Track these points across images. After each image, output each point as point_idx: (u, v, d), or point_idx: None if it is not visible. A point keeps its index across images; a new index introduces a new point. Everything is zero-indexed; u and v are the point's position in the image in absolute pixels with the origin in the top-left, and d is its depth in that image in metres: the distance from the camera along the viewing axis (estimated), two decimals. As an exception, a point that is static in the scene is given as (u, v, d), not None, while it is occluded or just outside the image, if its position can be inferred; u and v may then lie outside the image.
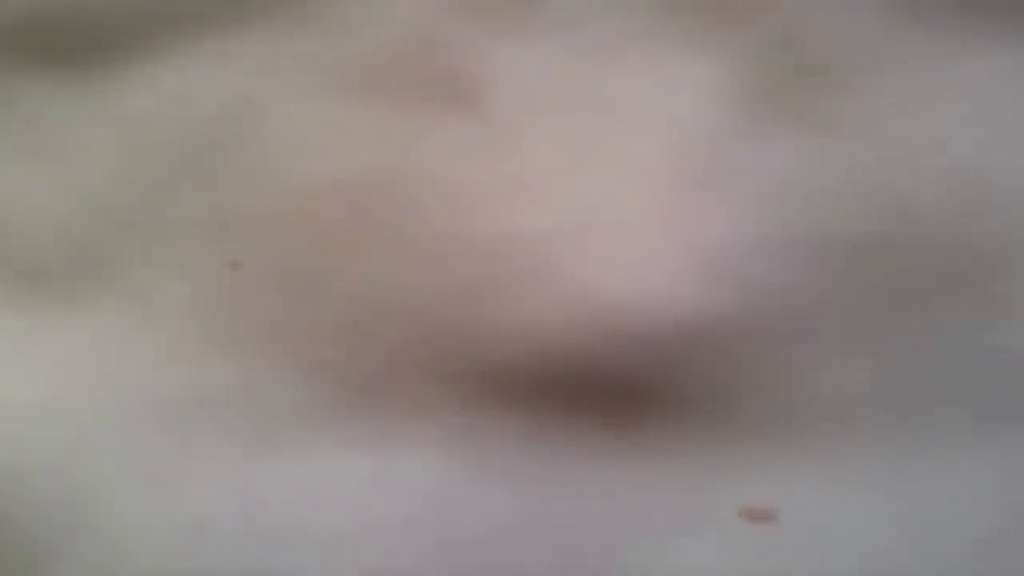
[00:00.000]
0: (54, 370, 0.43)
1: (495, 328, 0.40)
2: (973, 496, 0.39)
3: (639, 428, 0.40)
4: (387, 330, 0.40)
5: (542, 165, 0.39)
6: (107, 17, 0.40)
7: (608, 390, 0.40)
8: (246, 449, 0.41)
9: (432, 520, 0.41)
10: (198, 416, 0.41)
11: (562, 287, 0.39)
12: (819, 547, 0.40)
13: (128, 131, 0.41)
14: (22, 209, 0.42)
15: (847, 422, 0.40)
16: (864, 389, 0.40)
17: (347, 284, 0.40)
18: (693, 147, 0.38)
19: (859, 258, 0.38)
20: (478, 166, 0.39)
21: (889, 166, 0.38)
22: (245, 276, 0.40)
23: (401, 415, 0.41)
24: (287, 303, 0.41)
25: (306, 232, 0.40)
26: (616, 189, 0.39)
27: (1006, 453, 0.39)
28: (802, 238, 0.38)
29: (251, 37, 0.40)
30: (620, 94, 0.39)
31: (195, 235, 0.41)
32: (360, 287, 0.40)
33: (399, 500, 0.41)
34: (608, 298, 0.39)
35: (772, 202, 0.38)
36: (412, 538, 0.41)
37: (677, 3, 0.38)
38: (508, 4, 0.39)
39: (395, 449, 0.41)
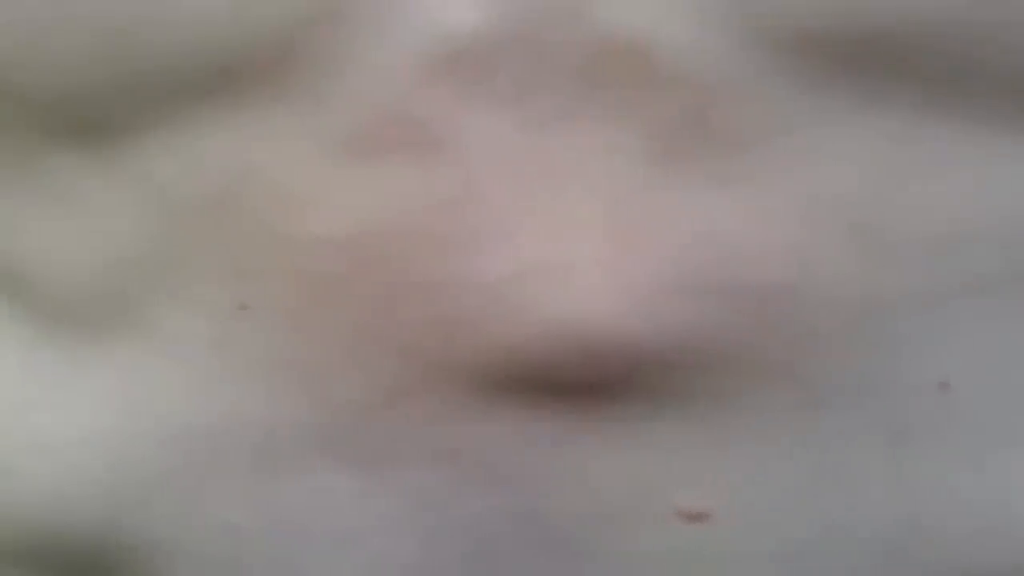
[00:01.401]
0: (90, 402, 0.47)
1: (475, 351, 0.44)
2: (878, 506, 0.44)
3: (591, 431, 0.44)
4: (382, 360, 0.44)
5: (506, 218, 0.43)
6: (119, 94, 0.43)
7: (564, 397, 0.44)
8: (262, 466, 0.46)
9: (422, 520, 0.46)
10: (217, 439, 0.46)
11: (524, 317, 0.44)
12: (746, 543, 0.44)
13: (145, 192, 0.44)
14: (55, 260, 0.46)
15: (771, 437, 0.44)
16: (782, 411, 0.43)
17: (342, 323, 0.44)
18: (623, 202, 0.42)
19: (767, 300, 0.42)
20: (454, 219, 0.42)
21: (792, 220, 0.42)
22: (252, 316, 0.45)
23: (397, 433, 0.45)
24: (289, 341, 0.45)
25: (305, 278, 0.44)
26: (564, 238, 0.43)
27: (908, 469, 0.43)
28: (718, 283, 0.42)
29: (246, 106, 0.43)
30: (562, 158, 0.42)
31: (208, 281, 0.45)
32: (354, 326, 0.44)
33: (394, 503, 0.46)
34: (562, 325, 0.43)
35: (692, 250, 0.42)
36: (407, 536, 0.46)
37: (599, 80, 0.41)
38: (473, 76, 0.42)
39: (392, 461, 0.46)
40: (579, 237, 0.42)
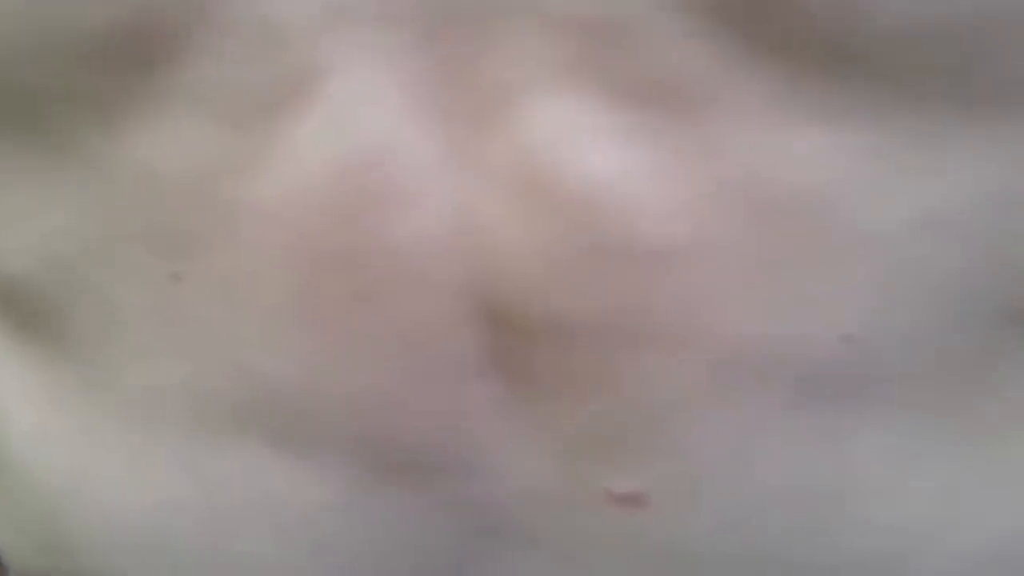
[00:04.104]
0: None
1: (390, 325, 0.42)
2: (803, 468, 0.43)
3: (516, 412, 0.43)
4: (305, 336, 0.43)
5: (419, 177, 0.41)
6: (36, 61, 0.42)
7: (485, 374, 0.43)
8: (198, 437, 0.46)
9: (355, 507, 0.46)
10: (154, 408, 0.46)
11: (439, 285, 0.42)
12: (682, 523, 0.44)
13: (78, 163, 0.43)
14: None
15: (692, 412, 0.42)
16: (695, 382, 0.42)
17: (269, 295, 0.43)
18: (534, 156, 0.41)
19: (672, 264, 0.41)
20: (368, 181, 0.41)
21: (691, 181, 0.41)
22: (185, 287, 0.44)
23: (322, 415, 0.44)
24: (219, 313, 0.44)
25: (235, 249, 0.43)
26: (476, 196, 0.41)
27: (819, 426, 0.43)
28: (623, 246, 0.41)
29: (164, 70, 0.42)
30: (470, 108, 0.41)
31: (143, 251, 0.44)
32: (280, 298, 0.43)
33: (327, 488, 0.45)
34: (478, 295, 0.42)
35: (600, 211, 0.41)
36: (341, 523, 0.46)
37: (500, 24, 0.40)
38: (380, 25, 0.41)
39: (320, 444, 0.45)
40: (492, 196, 0.41)
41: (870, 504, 0.43)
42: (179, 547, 0.47)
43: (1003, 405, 0.43)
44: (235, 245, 0.43)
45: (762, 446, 0.43)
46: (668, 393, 0.42)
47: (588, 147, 0.40)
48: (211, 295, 0.44)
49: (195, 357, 0.45)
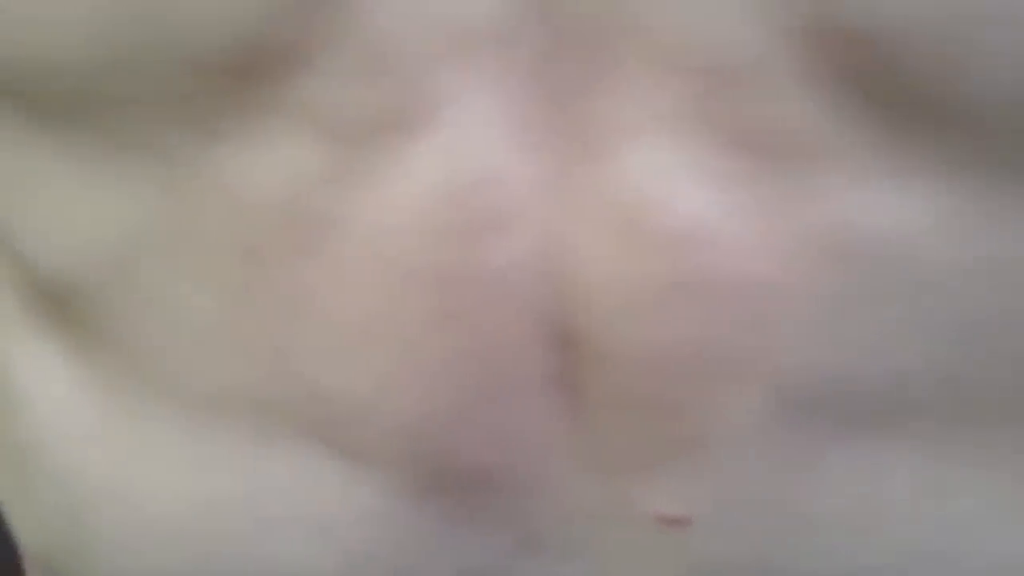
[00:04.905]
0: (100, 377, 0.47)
1: (467, 347, 0.43)
2: (851, 505, 0.45)
3: (570, 431, 0.45)
4: (378, 353, 0.44)
5: (519, 202, 0.42)
6: (128, 69, 0.42)
7: (548, 396, 0.44)
8: (255, 441, 0.46)
9: (400, 517, 0.46)
10: (212, 411, 0.46)
11: (522, 311, 0.43)
12: (724, 548, 0.46)
13: (157, 166, 0.43)
14: (60, 237, 0.46)
15: (747, 440, 0.44)
16: (757, 413, 0.44)
17: (344, 310, 0.44)
18: (632, 190, 0.42)
19: (751, 299, 0.42)
20: (468, 204, 0.42)
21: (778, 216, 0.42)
22: (256, 297, 0.44)
23: (384, 429, 0.45)
24: (290, 324, 0.44)
25: (310, 262, 0.44)
26: (570, 225, 0.43)
27: (873, 463, 0.45)
28: (711, 280, 0.42)
29: (258, 83, 0.42)
30: (578, 138, 0.42)
31: (216, 258, 0.44)
32: (356, 314, 0.44)
33: (376, 499, 0.46)
34: (563, 314, 0.43)
35: (691, 246, 0.42)
36: (384, 532, 0.46)
37: (618, 58, 0.41)
38: (492, 51, 0.41)
39: (377, 456, 0.46)
40: (584, 226, 0.42)
41: (896, 531, 0.46)
42: (216, 550, 0.47)
43: None
44: (319, 259, 0.43)
45: (805, 474, 0.45)
46: (725, 423, 0.44)
47: (685, 187, 0.41)
48: (284, 307, 0.44)
49: (259, 366, 0.45)
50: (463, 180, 0.42)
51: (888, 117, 0.40)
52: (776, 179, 0.41)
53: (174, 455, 0.47)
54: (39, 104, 0.43)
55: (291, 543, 0.47)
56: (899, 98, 0.40)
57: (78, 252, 0.45)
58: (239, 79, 0.41)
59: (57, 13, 0.41)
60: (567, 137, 0.41)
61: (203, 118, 0.42)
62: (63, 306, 0.47)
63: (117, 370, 0.47)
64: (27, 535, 0.50)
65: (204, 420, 0.46)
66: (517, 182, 0.42)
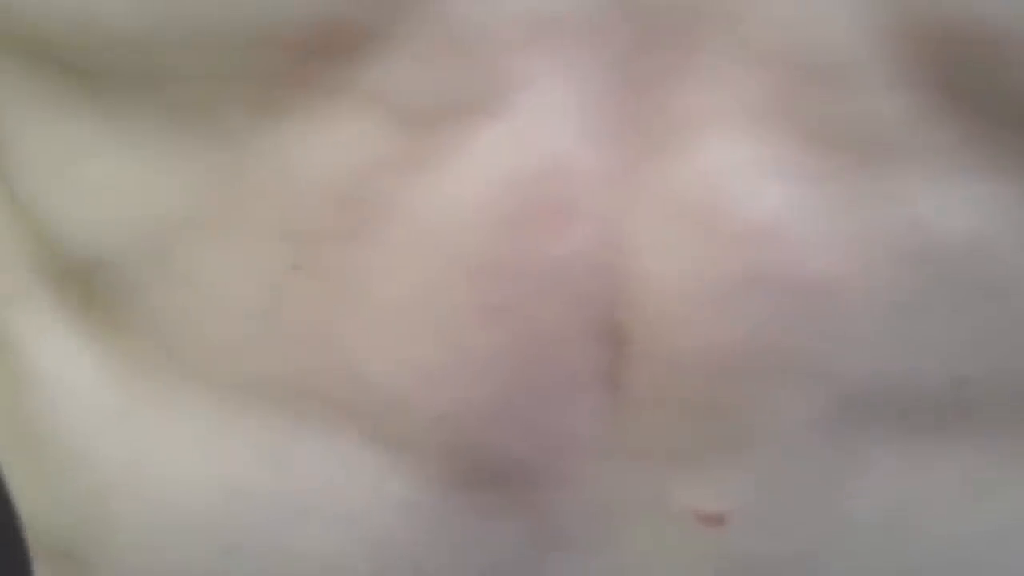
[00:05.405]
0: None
1: (513, 341, 0.43)
2: (894, 508, 0.46)
3: (611, 427, 0.44)
4: (418, 343, 0.43)
5: (591, 191, 0.42)
6: (187, 49, 0.41)
7: (587, 393, 0.44)
8: (284, 428, 0.45)
9: (429, 507, 0.46)
10: (246, 396, 0.45)
11: (575, 305, 0.43)
12: (761, 546, 0.45)
13: (205, 146, 0.42)
14: (101, 215, 0.45)
15: (793, 440, 0.44)
16: (806, 413, 0.44)
17: (387, 297, 0.43)
18: (707, 182, 0.42)
19: (812, 298, 0.42)
20: (535, 193, 0.42)
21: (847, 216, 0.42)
22: (303, 279, 0.43)
23: (422, 420, 0.44)
24: (334, 308, 0.43)
25: (358, 245, 0.43)
26: (642, 217, 0.42)
27: (923, 467, 0.46)
28: (777, 277, 0.42)
29: (321, 65, 0.41)
30: (658, 127, 0.42)
31: (262, 240, 0.43)
32: (399, 301, 0.43)
33: (407, 489, 0.46)
34: (618, 308, 0.43)
35: (761, 243, 0.42)
36: (412, 521, 0.46)
37: (700, 47, 0.41)
38: (573, 40, 0.41)
39: (413, 446, 0.45)
40: (648, 219, 0.42)
41: (939, 534, 0.46)
42: (237, 535, 0.46)
43: None
44: (372, 244, 0.42)
45: (851, 474, 0.44)
46: (775, 422, 0.44)
47: (762, 183, 0.41)
48: (333, 292, 0.43)
49: (300, 352, 0.44)
50: (529, 169, 0.41)
51: (972, 118, 0.40)
52: (855, 178, 0.41)
53: (201, 442, 0.46)
54: (90, 73, 0.42)
55: (317, 534, 0.46)
56: (987, 98, 0.40)
57: (113, 228, 0.44)
58: (310, 57, 0.40)
59: None
60: (639, 129, 0.41)
61: (265, 96, 0.41)
62: (90, 285, 0.46)
63: (144, 353, 0.46)
64: (44, 525, 0.49)
65: (234, 407, 0.45)
66: (583, 173, 0.41)
